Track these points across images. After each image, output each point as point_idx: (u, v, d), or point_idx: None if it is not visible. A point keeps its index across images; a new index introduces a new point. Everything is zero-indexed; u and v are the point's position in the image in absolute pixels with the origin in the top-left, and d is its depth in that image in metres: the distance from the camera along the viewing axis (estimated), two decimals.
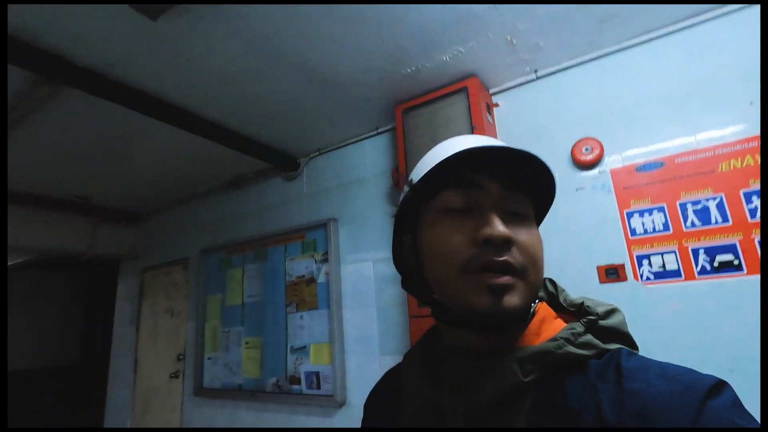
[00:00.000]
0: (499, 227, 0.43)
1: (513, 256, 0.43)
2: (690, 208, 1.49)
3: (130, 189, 3.15)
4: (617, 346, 0.44)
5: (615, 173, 1.65)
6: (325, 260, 2.36)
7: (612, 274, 1.58)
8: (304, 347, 2.34)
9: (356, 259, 2.29)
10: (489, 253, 0.43)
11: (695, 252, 1.46)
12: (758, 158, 1.41)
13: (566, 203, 1.72)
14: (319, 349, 2.28)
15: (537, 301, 0.49)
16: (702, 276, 1.44)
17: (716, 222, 1.44)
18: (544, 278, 0.52)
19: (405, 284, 0.55)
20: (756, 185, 1.40)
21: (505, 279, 0.42)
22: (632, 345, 0.47)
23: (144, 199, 3.41)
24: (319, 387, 2.22)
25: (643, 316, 1.50)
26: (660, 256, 1.51)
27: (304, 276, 2.45)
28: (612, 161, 1.66)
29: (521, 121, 1.91)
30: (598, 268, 1.61)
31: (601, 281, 1.60)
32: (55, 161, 2.53)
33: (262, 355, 2.53)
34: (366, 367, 2.13)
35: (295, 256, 2.52)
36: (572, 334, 0.44)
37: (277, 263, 2.60)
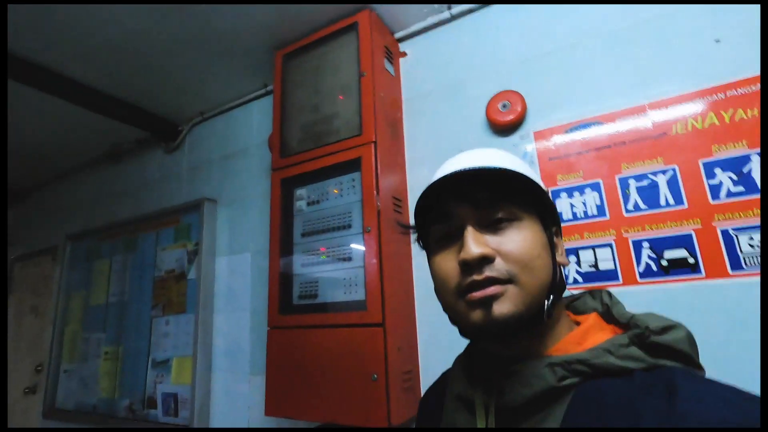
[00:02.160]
0: (472, 249, 0.44)
1: (496, 269, 0.44)
2: (633, 185, 1.08)
3: None
4: (672, 363, 0.42)
5: (540, 139, 1.22)
6: (197, 251, 1.86)
7: None
8: (167, 361, 1.84)
9: (233, 250, 1.80)
10: (471, 275, 0.44)
11: (637, 246, 1.05)
12: (725, 115, 1.01)
13: None
14: (182, 365, 1.78)
15: (551, 300, 0.46)
16: (645, 279, 1.02)
17: (667, 204, 1.03)
18: (603, 290, 0.53)
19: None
20: (721, 153, 1.00)
21: (490, 290, 0.43)
22: (693, 364, 0.43)
23: (13, 174, 2.80)
24: (176, 414, 1.73)
25: None
26: (591, 251, 1.10)
27: (174, 270, 1.94)
28: (537, 123, 1.24)
29: (432, 74, 1.46)
30: None
31: None
32: None
33: (120, 369, 2.00)
34: (234, 389, 1.65)
35: (167, 246, 2.01)
36: (614, 345, 0.43)
37: (147, 254, 2.08)
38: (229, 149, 1.94)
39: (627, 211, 1.07)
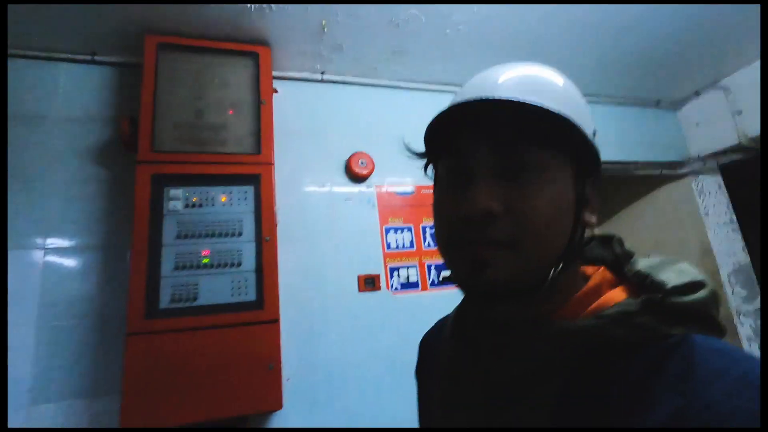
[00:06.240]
0: (476, 203, 0.39)
1: (499, 229, 0.39)
2: (428, 232, 1.80)
3: None
4: (690, 329, 0.36)
5: (380, 191, 1.79)
6: None
7: (369, 283, 1.66)
8: None
9: (8, 245, 1.34)
10: (470, 230, 0.40)
11: (429, 268, 1.76)
12: None
13: (335, 211, 1.70)
14: None
15: (560, 268, 0.41)
16: (432, 288, 1.74)
17: None
18: (613, 237, 0.49)
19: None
20: None
21: (487, 254, 0.39)
22: (714, 330, 0.37)
23: None
24: None
25: (391, 321, 1.63)
26: (406, 270, 1.73)
27: None
28: (378, 180, 1.80)
29: (300, 117, 1.78)
30: (359, 277, 1.65)
31: (360, 290, 1.64)
32: None
33: None
34: None
35: None
36: (621, 312, 0.37)
37: None
38: (8, 109, 1.44)
39: (425, 246, 1.78)
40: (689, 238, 2.32)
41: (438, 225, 0.46)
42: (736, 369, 0.31)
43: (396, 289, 1.69)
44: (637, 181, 2.53)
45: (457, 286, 0.44)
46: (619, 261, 0.46)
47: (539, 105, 0.38)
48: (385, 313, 1.64)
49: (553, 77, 0.43)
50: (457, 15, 1.55)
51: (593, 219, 0.44)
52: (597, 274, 0.44)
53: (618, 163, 2.25)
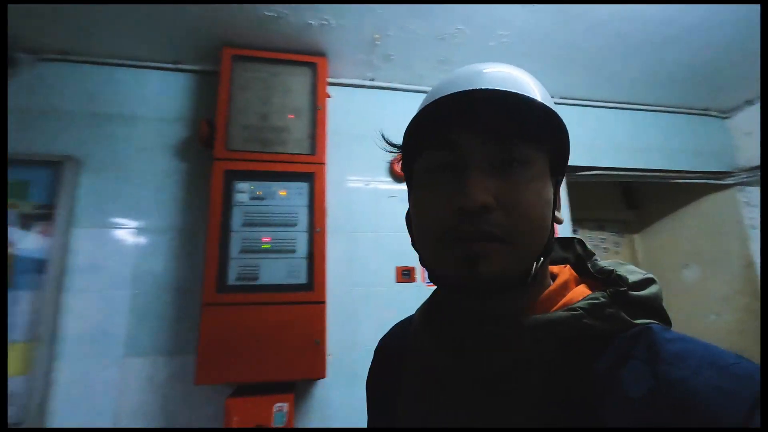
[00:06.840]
0: (473, 195, 0.38)
1: (493, 223, 0.39)
2: None
3: None
4: (648, 321, 0.40)
5: None
6: (44, 217, 1.54)
7: (406, 275, 1.82)
8: None
9: (103, 223, 1.62)
10: (464, 223, 0.39)
11: None
12: None
13: (377, 207, 1.87)
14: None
15: (541, 262, 0.42)
16: None
17: None
18: (575, 239, 0.52)
19: (413, 245, 0.50)
20: None
21: (479, 246, 0.39)
22: (666, 320, 0.42)
23: None
24: None
25: None
26: None
27: None
28: None
29: (349, 120, 1.95)
30: (396, 269, 1.82)
31: (397, 280, 1.80)
32: None
33: None
34: (94, 375, 1.49)
35: None
36: (592, 304, 0.40)
37: None
38: (106, 108, 1.71)
39: None
40: (731, 249, 2.29)
41: (422, 220, 0.44)
42: (695, 351, 0.35)
43: (429, 281, 1.84)
44: (680, 190, 2.51)
45: (441, 284, 0.45)
46: (581, 260, 0.50)
47: (535, 99, 0.40)
48: (419, 303, 1.78)
49: (531, 78, 0.45)
50: (500, 28, 1.65)
51: (560, 216, 0.46)
52: (564, 271, 0.47)
53: (663, 171, 2.26)
